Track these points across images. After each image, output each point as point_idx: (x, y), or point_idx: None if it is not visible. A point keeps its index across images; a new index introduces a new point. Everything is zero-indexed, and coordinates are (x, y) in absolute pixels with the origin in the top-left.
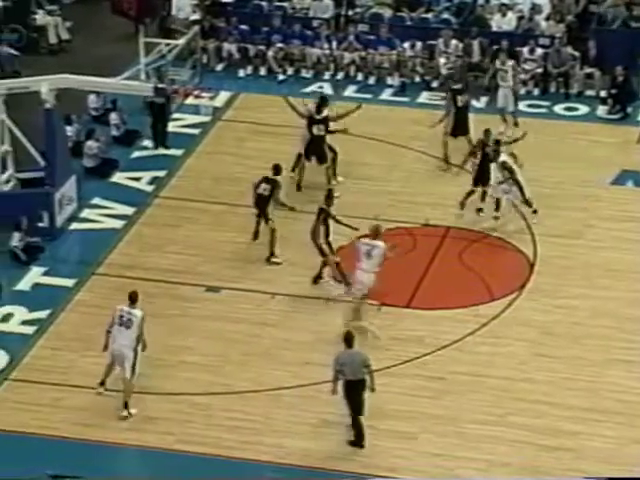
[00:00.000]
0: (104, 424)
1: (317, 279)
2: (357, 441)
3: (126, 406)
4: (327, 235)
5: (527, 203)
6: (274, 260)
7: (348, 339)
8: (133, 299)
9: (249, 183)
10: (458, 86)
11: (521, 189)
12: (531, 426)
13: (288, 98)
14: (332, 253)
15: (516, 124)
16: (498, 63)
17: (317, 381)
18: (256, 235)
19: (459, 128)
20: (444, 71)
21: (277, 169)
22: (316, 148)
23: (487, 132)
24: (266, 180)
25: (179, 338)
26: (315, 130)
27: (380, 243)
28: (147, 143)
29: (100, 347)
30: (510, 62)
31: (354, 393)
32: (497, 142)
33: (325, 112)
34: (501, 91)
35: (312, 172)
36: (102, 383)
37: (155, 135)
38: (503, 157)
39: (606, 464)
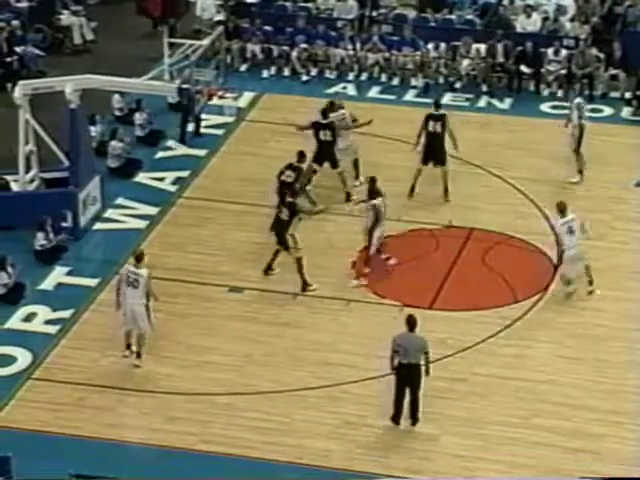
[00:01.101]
0: (126, 423)
1: (268, 270)
2: (394, 417)
3: (139, 356)
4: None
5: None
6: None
7: (410, 322)
8: (138, 259)
9: (272, 183)
10: (435, 112)
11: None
12: (553, 428)
13: (286, 120)
14: (296, 247)
15: (580, 170)
16: (568, 106)
17: (339, 382)
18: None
19: (430, 156)
20: (463, 72)
21: (301, 156)
22: (326, 154)
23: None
24: (290, 167)
25: (202, 338)
26: (322, 135)
27: (574, 215)
28: (171, 143)
29: (122, 347)
30: (576, 100)
31: (405, 375)
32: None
33: (334, 114)
34: (569, 126)
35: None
36: (128, 346)
37: (183, 131)
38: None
39: (628, 466)
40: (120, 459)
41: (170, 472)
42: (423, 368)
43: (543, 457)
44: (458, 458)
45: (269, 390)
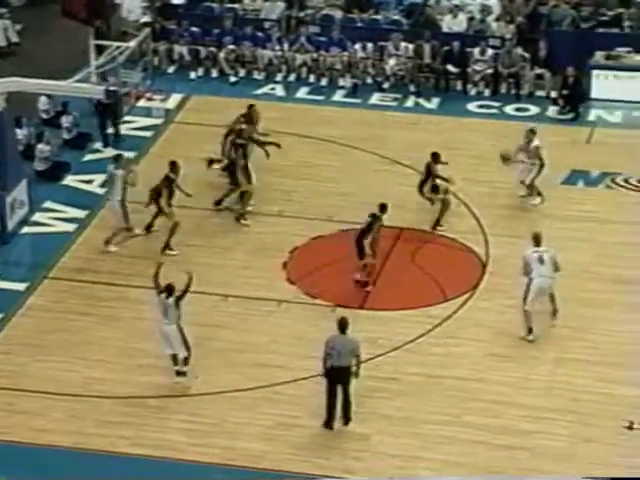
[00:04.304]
0: (57, 429)
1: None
2: (326, 423)
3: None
4: (170, 198)
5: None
6: None
7: (342, 324)
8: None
9: (201, 185)
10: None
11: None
12: (486, 426)
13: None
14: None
15: (539, 193)
16: (523, 142)
17: (271, 383)
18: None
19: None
20: (389, 71)
21: (383, 207)
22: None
23: (174, 164)
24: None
25: (134, 341)
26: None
27: (550, 249)
28: (98, 146)
29: (51, 351)
30: (534, 143)
31: (336, 378)
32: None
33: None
34: (525, 167)
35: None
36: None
37: (104, 135)
38: None
39: (560, 462)
40: (51, 464)
41: (102, 476)
42: (353, 369)
43: (476, 455)
44: (391, 457)
45: (201, 392)
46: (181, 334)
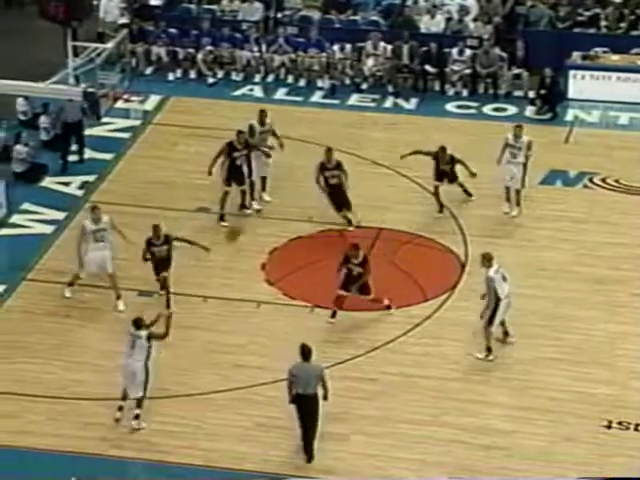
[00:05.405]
0: (36, 431)
1: None
2: (305, 451)
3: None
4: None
5: None
6: None
7: (304, 352)
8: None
9: (180, 186)
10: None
11: None
12: (464, 425)
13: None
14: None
15: (518, 203)
16: (510, 138)
17: (250, 384)
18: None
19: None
20: (367, 72)
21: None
22: (237, 174)
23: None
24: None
25: (113, 343)
26: (238, 161)
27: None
28: (75, 147)
29: (30, 353)
30: (525, 138)
31: (303, 407)
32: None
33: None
34: (512, 167)
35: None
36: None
37: (64, 155)
38: None
39: (538, 462)
40: (31, 466)
41: (83, 478)
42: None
43: (454, 454)
44: (370, 458)
45: (180, 394)
46: (145, 375)
